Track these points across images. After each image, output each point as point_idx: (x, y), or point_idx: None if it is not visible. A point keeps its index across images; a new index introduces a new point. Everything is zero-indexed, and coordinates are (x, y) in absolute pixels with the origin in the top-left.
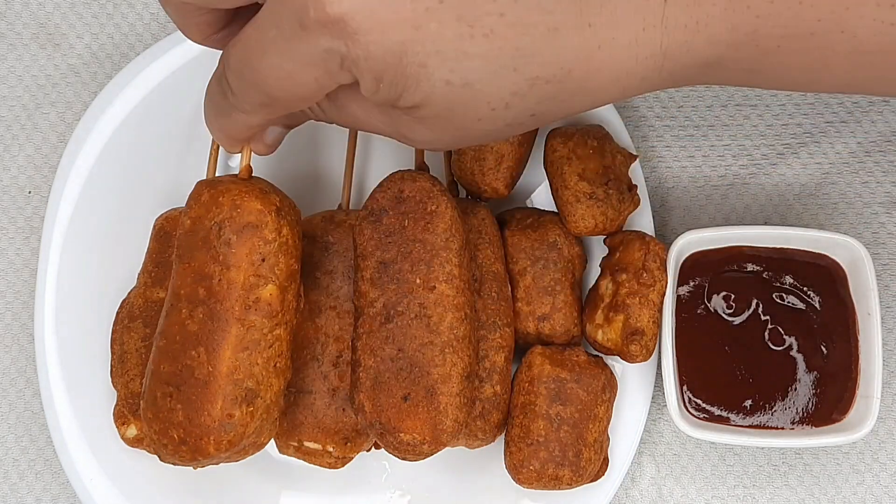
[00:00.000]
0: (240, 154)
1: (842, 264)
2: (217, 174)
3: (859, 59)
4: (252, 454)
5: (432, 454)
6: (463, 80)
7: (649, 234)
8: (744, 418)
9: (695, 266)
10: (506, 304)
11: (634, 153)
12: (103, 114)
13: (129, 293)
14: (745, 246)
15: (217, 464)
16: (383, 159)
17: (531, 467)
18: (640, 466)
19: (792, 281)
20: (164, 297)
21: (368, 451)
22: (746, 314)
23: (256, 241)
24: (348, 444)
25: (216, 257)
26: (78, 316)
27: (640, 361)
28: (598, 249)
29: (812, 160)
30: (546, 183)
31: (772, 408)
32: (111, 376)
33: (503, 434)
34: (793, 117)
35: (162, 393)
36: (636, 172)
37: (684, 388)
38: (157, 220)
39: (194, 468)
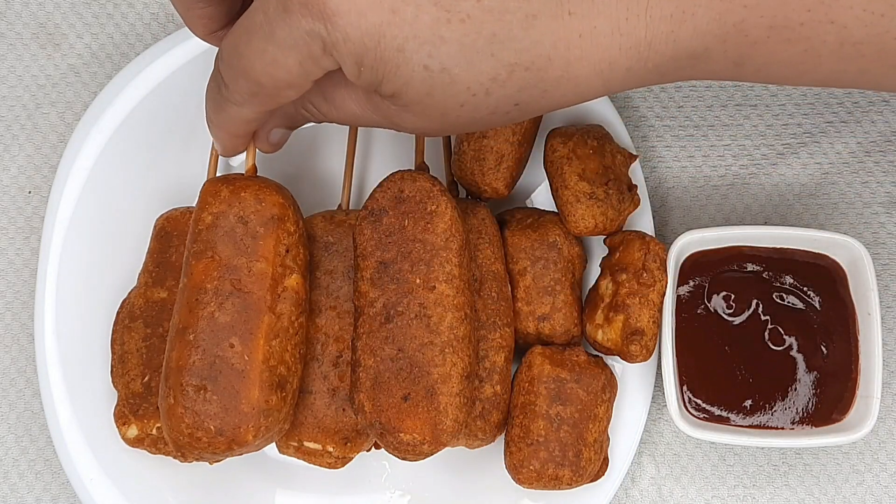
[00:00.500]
0: (242, 155)
1: (842, 264)
2: (218, 174)
3: (848, 50)
4: (274, 441)
5: (432, 454)
6: (441, 65)
7: (649, 234)
8: (744, 418)
9: (695, 266)
10: (506, 304)
11: (634, 153)
12: (103, 114)
13: (129, 293)
14: (745, 246)
15: (247, 453)
16: (383, 159)
17: (531, 467)
18: (640, 466)
19: (792, 281)
20: (165, 296)
21: (368, 451)
22: (746, 314)
23: (281, 233)
24: (348, 444)
25: (243, 250)
26: (78, 316)
27: (640, 361)
28: (598, 249)
29: (812, 160)
30: (546, 183)
31: (772, 408)
32: (111, 376)
33: (503, 434)
34: (793, 117)
35: (194, 386)
36: (636, 172)
37: (684, 388)
38: (157, 220)
39: (211, 463)
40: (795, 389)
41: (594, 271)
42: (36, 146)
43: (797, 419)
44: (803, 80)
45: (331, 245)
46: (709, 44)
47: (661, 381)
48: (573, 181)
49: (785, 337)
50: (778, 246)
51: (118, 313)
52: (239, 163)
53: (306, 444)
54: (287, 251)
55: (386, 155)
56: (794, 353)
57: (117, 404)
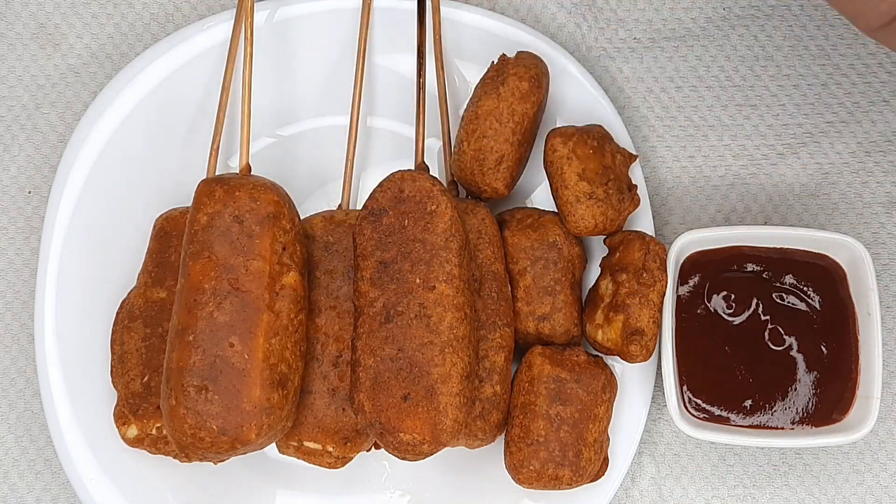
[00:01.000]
0: (238, 153)
1: (842, 264)
2: (217, 174)
3: None
4: (277, 440)
5: (432, 454)
6: None
7: (649, 234)
8: (744, 418)
9: (695, 266)
10: (506, 304)
11: (634, 153)
12: (103, 114)
13: (129, 293)
14: (745, 246)
15: (251, 452)
16: (383, 159)
17: (531, 467)
18: (640, 466)
19: (792, 281)
20: (164, 296)
21: (368, 451)
22: (746, 314)
23: (277, 231)
24: (348, 444)
25: (240, 249)
26: (78, 316)
27: (640, 361)
28: (598, 249)
29: (812, 160)
30: (546, 183)
31: (772, 408)
32: (111, 376)
33: (503, 434)
34: (793, 117)
35: (195, 386)
36: (636, 172)
37: (684, 388)
38: (157, 220)
39: (215, 463)
40: (795, 389)
41: (594, 271)
42: (36, 146)
43: (797, 419)
44: None
45: (331, 245)
46: None
47: (661, 381)
48: (573, 181)
49: (785, 337)
50: (778, 246)
51: (118, 313)
52: (237, 162)
53: (306, 443)
54: (284, 249)
55: (386, 155)
56: (794, 353)
57: (117, 404)
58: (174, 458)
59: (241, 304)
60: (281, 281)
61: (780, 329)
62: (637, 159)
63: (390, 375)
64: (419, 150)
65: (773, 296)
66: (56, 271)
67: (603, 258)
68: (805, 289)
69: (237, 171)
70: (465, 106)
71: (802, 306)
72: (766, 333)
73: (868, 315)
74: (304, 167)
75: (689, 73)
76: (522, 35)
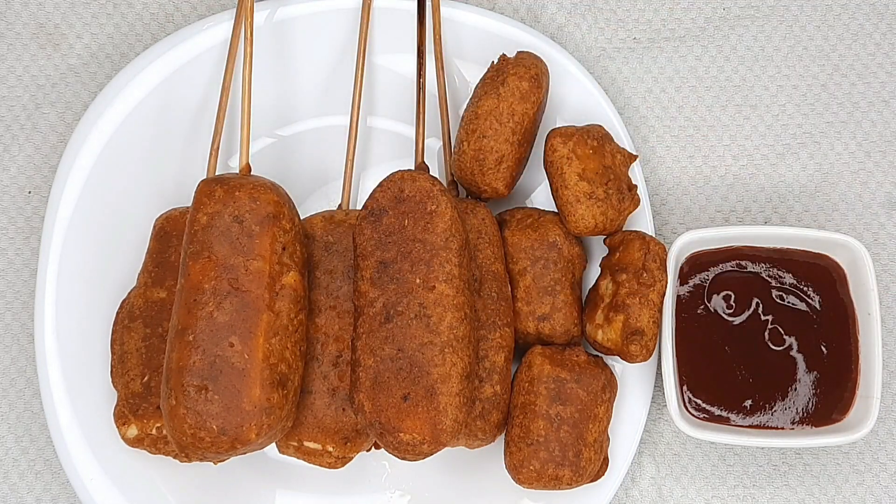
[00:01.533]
0: (238, 153)
1: (842, 264)
2: (217, 174)
3: None
4: (277, 440)
5: (432, 454)
6: None
7: (649, 234)
8: (744, 418)
9: (695, 266)
10: (506, 304)
11: (634, 153)
12: (103, 114)
13: (129, 293)
14: (745, 246)
15: (251, 451)
16: (383, 159)
17: (531, 467)
18: (640, 466)
19: (792, 281)
20: (164, 296)
21: (368, 451)
22: (746, 314)
23: (277, 231)
24: (348, 444)
25: (240, 249)
26: (78, 316)
27: (640, 361)
28: (598, 249)
29: (812, 160)
30: (546, 183)
31: (772, 408)
32: (111, 376)
33: (503, 434)
34: (793, 117)
35: (195, 386)
36: (636, 172)
37: (684, 388)
38: (157, 220)
39: (215, 463)
40: (795, 389)
41: (594, 271)
42: (36, 146)
43: (797, 419)
44: None
45: (331, 245)
46: None
47: (661, 381)
48: (573, 181)
49: (785, 337)
50: (778, 246)
51: (118, 313)
52: (237, 162)
53: (306, 443)
54: (283, 249)
55: (386, 155)
56: (794, 353)
57: (117, 404)
58: (174, 458)
59: (241, 304)
60: (281, 281)
61: (780, 329)
62: (637, 159)
63: (390, 375)
64: (419, 150)
65: (773, 296)
66: (56, 271)
67: (603, 258)
68: (805, 289)
69: (237, 171)
70: (465, 106)
71: (802, 306)
72: (766, 333)
73: (868, 315)
74: (304, 167)
75: (688, 74)
76: (522, 35)
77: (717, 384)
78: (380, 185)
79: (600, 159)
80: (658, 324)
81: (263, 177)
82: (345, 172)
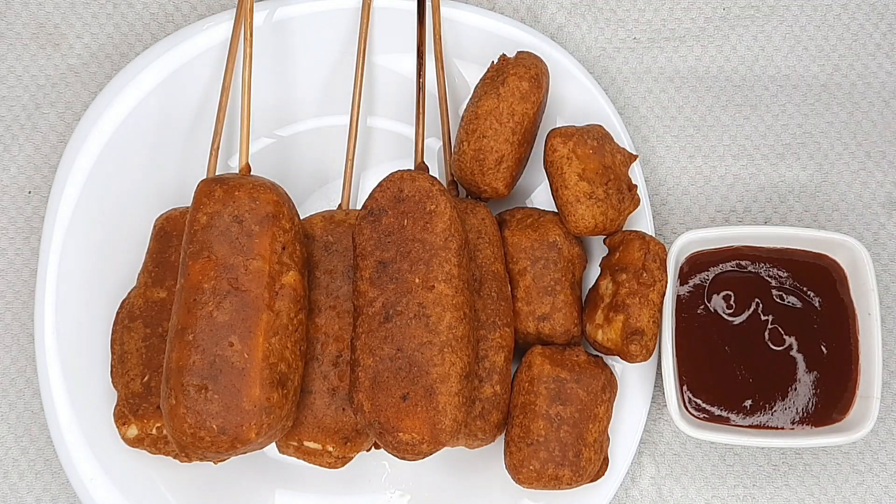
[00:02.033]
0: (238, 153)
1: (842, 264)
2: (217, 174)
3: None
4: (277, 439)
5: (431, 454)
6: None
7: (649, 234)
8: (744, 418)
9: (695, 266)
10: (506, 304)
11: (634, 153)
12: (103, 114)
13: (129, 293)
14: (745, 246)
15: (251, 451)
16: (383, 159)
17: (531, 467)
18: (640, 466)
19: (792, 281)
20: (164, 296)
21: (368, 451)
22: (746, 314)
23: (277, 231)
24: (348, 443)
25: (239, 249)
26: (78, 316)
27: (640, 361)
28: (598, 249)
29: (812, 160)
30: (546, 183)
31: (772, 408)
32: (111, 376)
33: (503, 434)
34: (793, 117)
35: (195, 386)
36: (636, 172)
37: (684, 388)
38: (157, 220)
39: (215, 463)
40: (795, 389)
41: (594, 271)
42: (36, 146)
43: (797, 419)
44: None
45: (330, 245)
46: None
47: (661, 381)
48: (573, 181)
49: (785, 337)
50: (778, 246)
51: (118, 313)
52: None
53: (306, 443)
54: (283, 248)
55: (386, 155)
56: (794, 353)
57: (117, 404)
58: (174, 458)
59: (241, 304)
60: (280, 280)
61: (780, 329)
62: (637, 159)
63: (389, 375)
64: (419, 150)
65: (773, 296)
66: (56, 271)
67: (603, 258)
68: (805, 289)
69: (237, 171)
70: (465, 106)
71: (802, 306)
72: (766, 333)
73: (868, 315)
74: (304, 167)
75: (688, 73)
76: (522, 35)
77: (717, 384)
78: (379, 185)
79: (600, 159)
80: (658, 324)
81: (263, 177)
82: (345, 172)
